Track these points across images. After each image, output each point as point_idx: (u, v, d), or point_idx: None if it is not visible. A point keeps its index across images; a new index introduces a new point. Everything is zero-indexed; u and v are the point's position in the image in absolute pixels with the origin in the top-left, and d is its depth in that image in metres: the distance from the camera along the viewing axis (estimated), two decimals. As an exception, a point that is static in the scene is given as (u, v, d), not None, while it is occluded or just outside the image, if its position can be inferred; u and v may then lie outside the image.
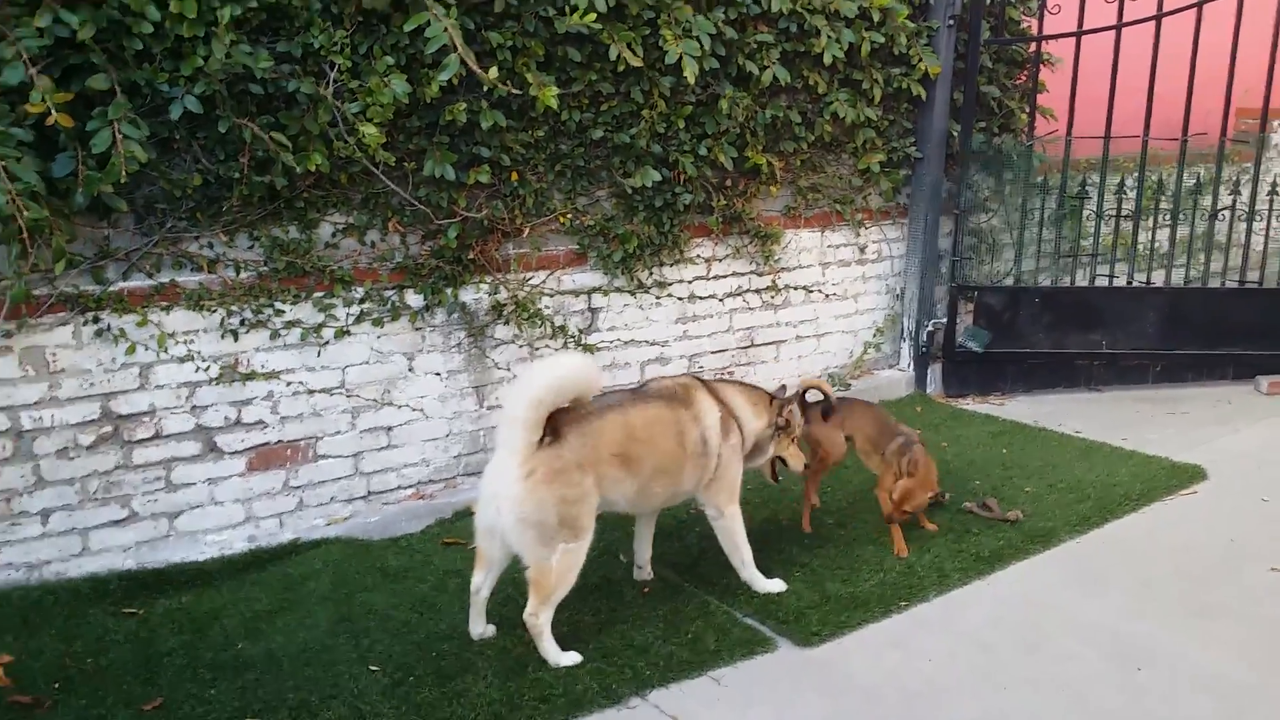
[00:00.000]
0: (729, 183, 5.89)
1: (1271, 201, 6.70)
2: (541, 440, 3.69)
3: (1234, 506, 5.07)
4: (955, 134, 6.62)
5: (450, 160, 4.78)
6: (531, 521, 3.69)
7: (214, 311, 4.55)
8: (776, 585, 4.34)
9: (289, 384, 4.78)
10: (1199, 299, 6.84)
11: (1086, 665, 3.80)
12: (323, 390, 4.88)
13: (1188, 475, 5.40)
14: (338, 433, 4.96)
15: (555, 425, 3.73)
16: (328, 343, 4.85)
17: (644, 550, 4.52)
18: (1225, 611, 4.11)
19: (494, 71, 4.54)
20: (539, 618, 3.81)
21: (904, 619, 4.16)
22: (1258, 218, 6.70)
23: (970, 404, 6.80)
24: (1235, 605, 4.16)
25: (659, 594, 4.36)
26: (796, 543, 4.78)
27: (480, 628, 4.06)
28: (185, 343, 4.52)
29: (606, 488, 3.88)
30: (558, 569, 3.76)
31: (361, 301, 4.90)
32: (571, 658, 3.85)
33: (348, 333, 4.89)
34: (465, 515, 5.10)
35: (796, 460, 4.53)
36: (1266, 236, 6.89)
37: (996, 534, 4.78)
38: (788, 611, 4.17)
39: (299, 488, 4.92)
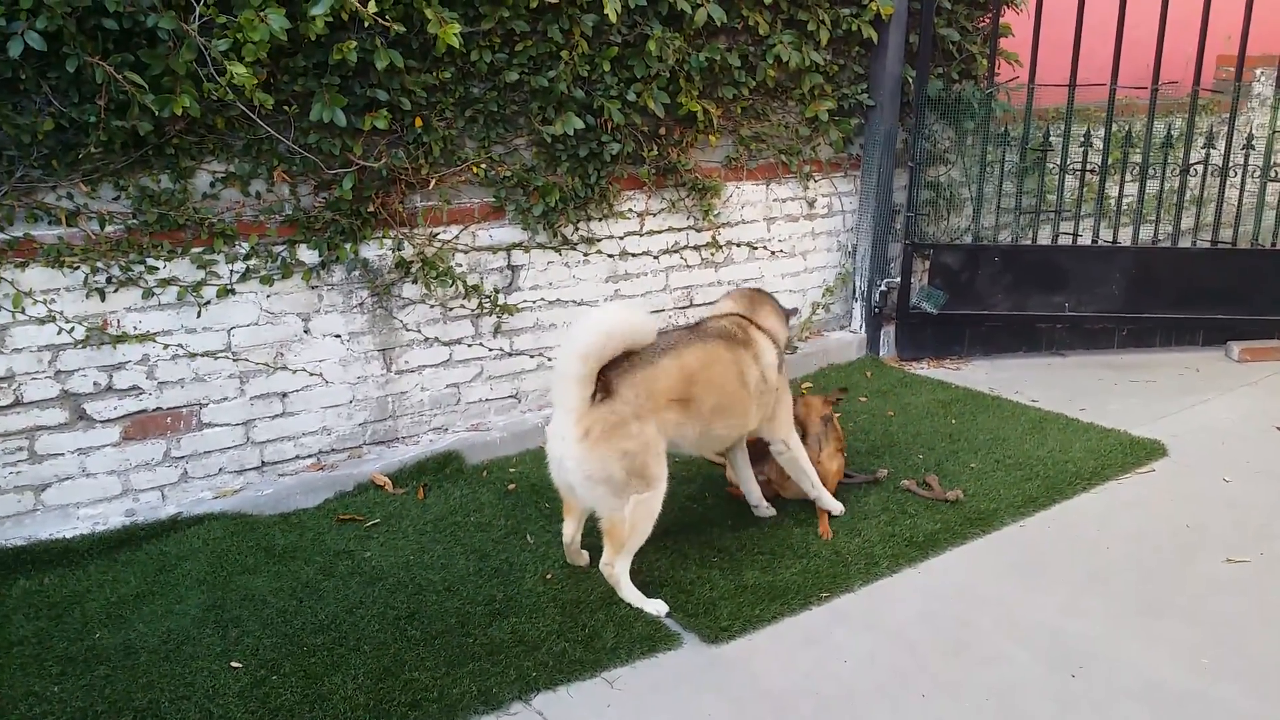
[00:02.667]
0: (663, 131, 5.45)
1: (1247, 156, 6.28)
2: (594, 397, 3.66)
3: (1193, 488, 4.71)
4: (910, 80, 6.18)
5: (340, 104, 4.34)
6: (598, 479, 3.70)
7: (77, 268, 4.13)
8: (839, 507, 4.44)
9: (166, 347, 4.38)
10: (1169, 259, 6.44)
11: (1017, 669, 3.45)
12: (206, 354, 4.48)
13: (1146, 451, 5.04)
14: (225, 399, 4.57)
15: (605, 380, 3.70)
16: (209, 302, 4.44)
17: (752, 487, 4.48)
18: (1173, 609, 3.77)
19: (373, 5, 4.08)
20: (614, 567, 3.83)
21: (824, 612, 3.81)
22: (1232, 173, 6.28)
23: (924, 368, 6.42)
24: (1184, 602, 3.82)
25: (563, 580, 4.00)
26: (718, 524, 4.42)
27: (583, 560, 4.11)
28: (45, 302, 4.10)
29: (669, 431, 3.87)
30: (631, 519, 3.75)
31: (247, 258, 4.48)
32: (657, 606, 3.79)
33: (232, 291, 4.48)
34: (368, 488, 4.77)
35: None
36: (1241, 193, 6.47)
37: (934, 515, 4.43)
38: (698, 603, 3.83)
39: (182, 458, 4.53)
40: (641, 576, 3.98)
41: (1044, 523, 4.43)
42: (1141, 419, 5.45)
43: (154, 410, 4.42)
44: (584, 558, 4.11)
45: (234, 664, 3.50)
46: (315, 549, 4.28)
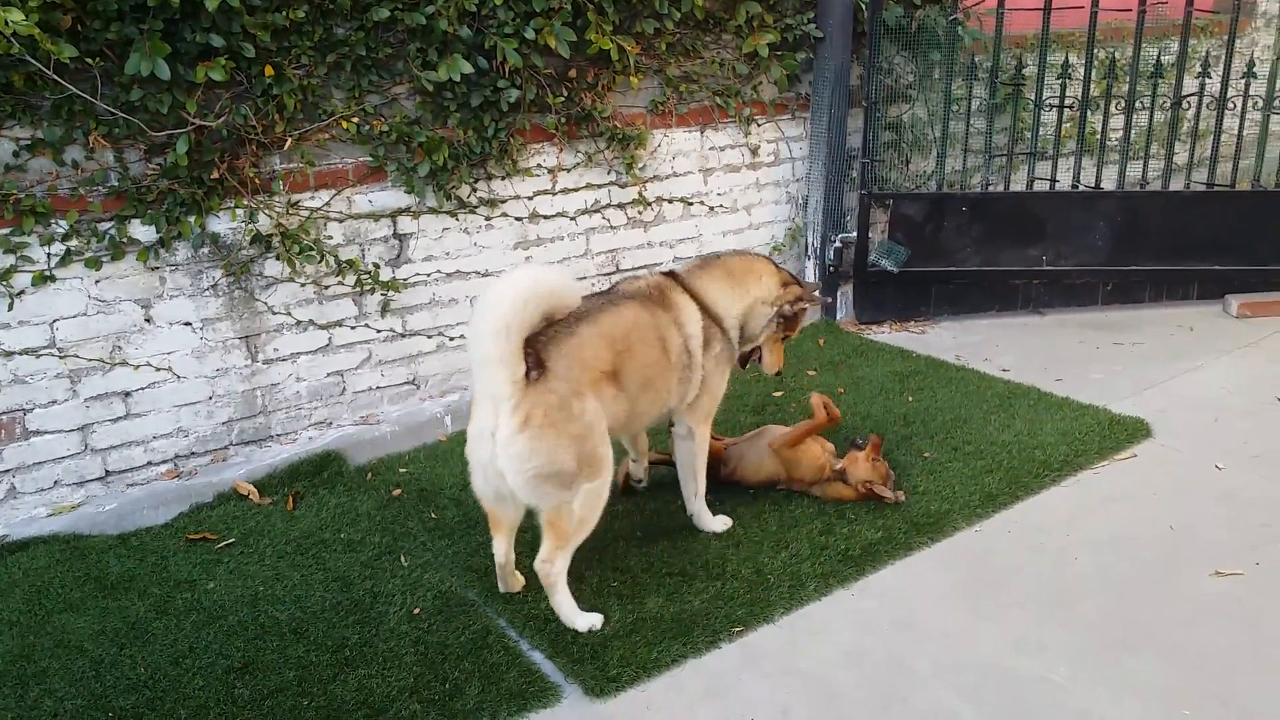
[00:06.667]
0: (573, 74, 4.73)
1: (1248, 85, 5.54)
2: (528, 375, 3.07)
3: (1180, 478, 4.07)
4: (864, 6, 5.42)
5: (163, 53, 3.66)
6: (546, 474, 3.12)
7: None
8: (721, 524, 3.81)
9: (-25, 346, 3.75)
10: (1159, 204, 5.74)
11: (956, 728, 2.85)
12: (25, 351, 3.84)
13: (1128, 432, 4.39)
14: (53, 403, 3.94)
15: (535, 354, 3.13)
16: (23, 292, 3.80)
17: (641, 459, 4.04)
18: (1149, 641, 3.15)
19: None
20: (554, 564, 3.25)
21: (735, 650, 3.20)
22: (1230, 106, 5.55)
23: (886, 333, 5.76)
24: (1163, 630, 3.19)
25: (432, 616, 3.39)
26: (626, 537, 3.80)
27: (517, 585, 3.51)
28: None
29: (605, 409, 3.31)
30: (580, 511, 3.23)
31: (66, 238, 3.82)
32: (592, 621, 3.28)
33: (51, 278, 3.83)
34: (229, 499, 4.15)
35: (773, 361, 3.90)
36: (1241, 127, 5.73)
37: (875, 521, 3.80)
38: (586, 644, 3.21)
39: (7, 472, 3.92)
40: (526, 608, 3.39)
41: (1004, 526, 3.80)
42: (1124, 390, 4.81)
43: (-33, 419, 3.80)
44: (519, 582, 3.51)
45: (21, 736, 2.93)
46: (154, 578, 3.68)
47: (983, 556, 3.62)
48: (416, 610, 3.42)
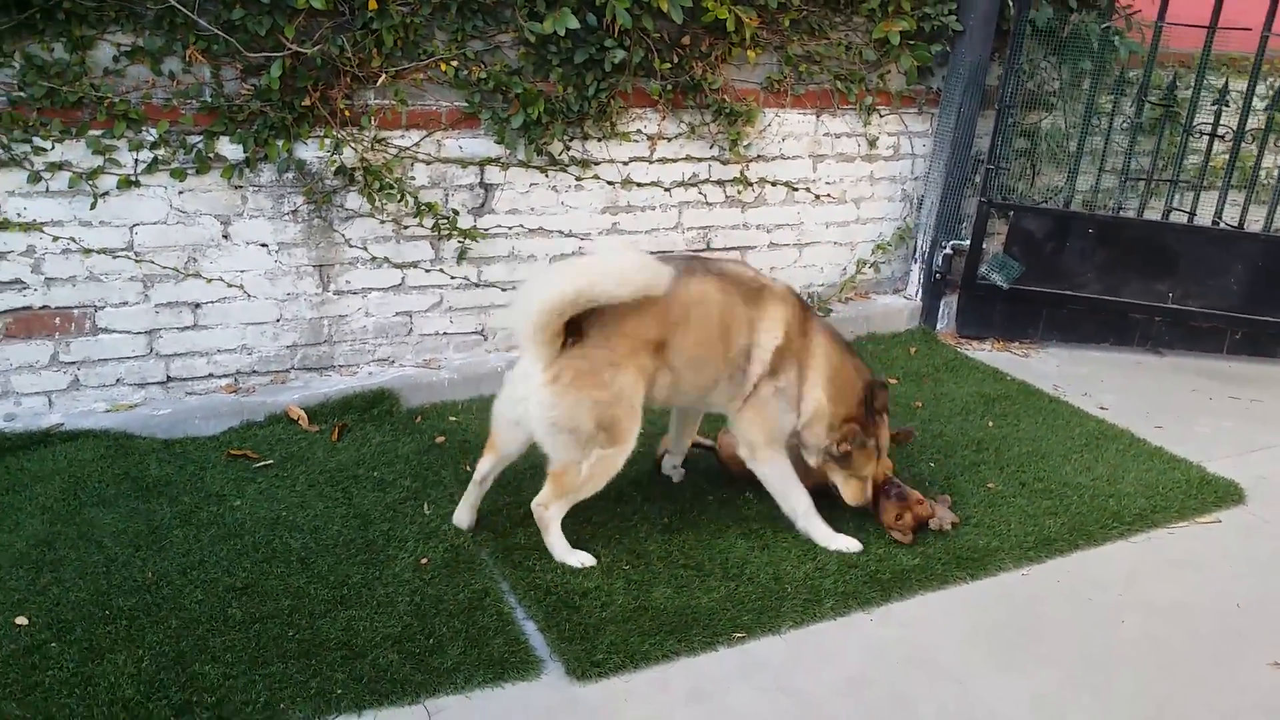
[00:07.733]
0: (686, 41, 4.58)
1: None
2: (565, 341, 3.21)
3: (1263, 552, 3.71)
4: (1011, 3, 5.08)
5: (267, -27, 3.67)
6: (564, 427, 3.27)
7: (-53, 141, 3.63)
8: (847, 543, 3.57)
9: (56, 239, 3.87)
10: (1306, 253, 5.27)
11: (940, 783, 2.66)
12: (103, 251, 3.95)
13: (1217, 495, 4.02)
14: (124, 304, 4.05)
15: (575, 320, 3.22)
16: (108, 194, 3.90)
17: (683, 445, 3.94)
18: (1182, 725, 2.88)
19: None
20: (549, 509, 3.39)
21: (733, 657, 3.06)
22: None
23: (986, 351, 5.44)
24: (1200, 717, 2.90)
25: (437, 569, 3.35)
26: (652, 520, 3.68)
27: (468, 519, 3.59)
28: (-89, 177, 3.62)
29: (648, 379, 3.36)
30: (587, 473, 3.34)
31: (155, 147, 3.90)
32: (582, 558, 3.40)
33: (136, 183, 3.92)
34: (280, 421, 4.21)
35: (851, 494, 3.62)
36: None
37: (915, 548, 3.58)
38: (580, 623, 3.13)
39: (72, 364, 4.05)
40: (533, 576, 3.33)
41: (1054, 574, 3.52)
42: (1227, 449, 4.41)
43: (40, 308, 3.93)
44: (471, 518, 3.58)
45: (20, 619, 3.02)
46: (187, 487, 3.76)
47: (1023, 603, 3.37)
48: (425, 560, 3.39)
